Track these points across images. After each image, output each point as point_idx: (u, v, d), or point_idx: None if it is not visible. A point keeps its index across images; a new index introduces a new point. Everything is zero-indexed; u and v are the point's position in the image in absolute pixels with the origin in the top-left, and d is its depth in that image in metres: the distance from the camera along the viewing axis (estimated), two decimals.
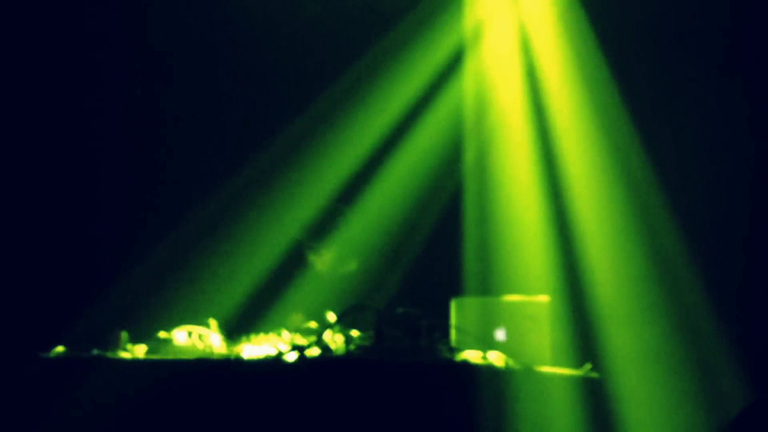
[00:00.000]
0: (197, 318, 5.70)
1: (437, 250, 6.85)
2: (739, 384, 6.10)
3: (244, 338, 5.54)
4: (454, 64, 7.10)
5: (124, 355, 5.47)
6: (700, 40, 6.64)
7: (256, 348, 5.42)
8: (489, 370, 4.93)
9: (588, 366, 5.54)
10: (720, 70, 6.62)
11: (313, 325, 5.58)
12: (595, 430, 5.31)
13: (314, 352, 5.08)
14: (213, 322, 5.52)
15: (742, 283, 6.41)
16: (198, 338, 5.43)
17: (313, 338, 5.25)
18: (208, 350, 5.39)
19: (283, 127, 7.19)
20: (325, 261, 6.48)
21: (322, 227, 6.46)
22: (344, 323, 5.27)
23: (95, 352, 5.52)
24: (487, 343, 5.14)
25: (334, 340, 5.14)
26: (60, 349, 5.54)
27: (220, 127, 7.31)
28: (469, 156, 6.96)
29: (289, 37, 7.33)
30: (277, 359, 5.15)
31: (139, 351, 5.50)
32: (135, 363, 5.39)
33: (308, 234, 6.51)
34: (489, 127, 6.95)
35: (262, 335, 5.54)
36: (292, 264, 6.68)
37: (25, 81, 7.08)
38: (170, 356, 5.38)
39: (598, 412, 5.39)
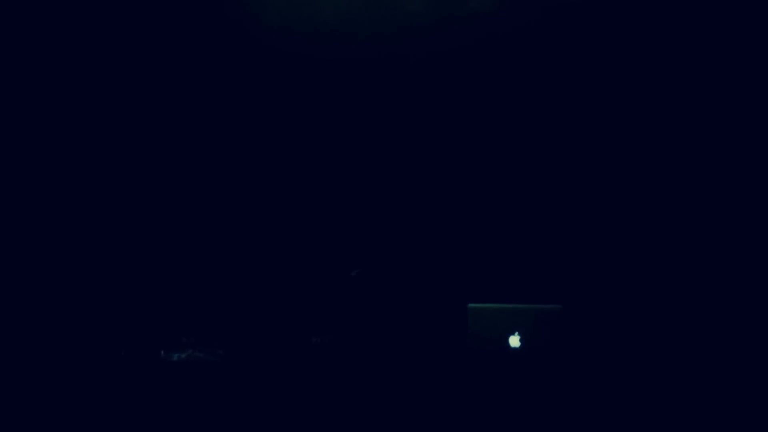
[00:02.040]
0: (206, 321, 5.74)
1: (453, 256, 6.86)
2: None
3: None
4: None
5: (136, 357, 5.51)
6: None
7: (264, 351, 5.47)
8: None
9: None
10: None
11: None
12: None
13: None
14: (222, 325, 5.54)
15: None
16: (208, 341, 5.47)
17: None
18: (217, 354, 5.41)
19: None
20: None
21: None
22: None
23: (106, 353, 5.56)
24: (501, 349, 5.18)
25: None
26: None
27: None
28: None
29: None
30: (290, 361, 5.19)
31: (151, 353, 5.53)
32: (146, 364, 5.44)
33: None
34: None
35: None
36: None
37: None
38: (181, 358, 5.41)
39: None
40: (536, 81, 6.64)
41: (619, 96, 6.54)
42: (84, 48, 6.76)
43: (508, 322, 5.32)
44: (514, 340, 5.29)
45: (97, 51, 6.78)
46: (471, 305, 5.37)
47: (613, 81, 6.54)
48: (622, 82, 6.51)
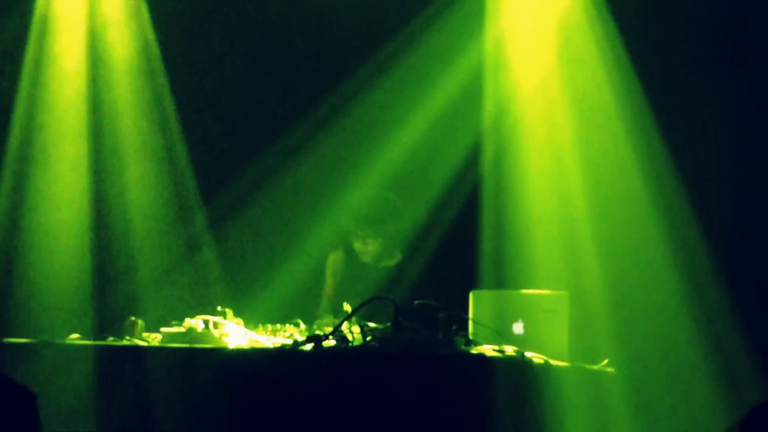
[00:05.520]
0: (214, 307, 5.71)
1: (457, 244, 6.85)
2: (758, 382, 6.06)
3: (261, 328, 5.55)
4: (474, 64, 7.07)
5: (141, 343, 5.47)
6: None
7: (272, 338, 5.43)
8: (506, 362, 4.91)
9: (605, 361, 5.52)
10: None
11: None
12: (607, 424, 5.30)
13: (331, 343, 5.07)
14: (229, 312, 5.51)
15: (762, 280, 6.38)
16: (214, 327, 5.43)
17: (330, 329, 5.24)
18: (225, 339, 5.37)
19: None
20: (369, 252, 6.38)
21: (372, 217, 6.34)
22: (362, 315, 5.25)
23: (110, 339, 5.53)
24: (504, 336, 5.13)
25: (352, 332, 5.13)
26: (75, 336, 5.54)
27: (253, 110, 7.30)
28: (488, 154, 6.96)
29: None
30: (294, 349, 5.15)
31: (155, 339, 5.50)
32: (151, 351, 5.39)
33: (357, 223, 6.39)
34: (507, 126, 6.94)
35: (278, 326, 5.55)
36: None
37: None
38: (186, 345, 5.37)
39: (610, 407, 5.37)
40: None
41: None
42: None
43: (512, 308, 5.26)
44: (518, 327, 5.23)
45: None
46: (474, 291, 5.31)
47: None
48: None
